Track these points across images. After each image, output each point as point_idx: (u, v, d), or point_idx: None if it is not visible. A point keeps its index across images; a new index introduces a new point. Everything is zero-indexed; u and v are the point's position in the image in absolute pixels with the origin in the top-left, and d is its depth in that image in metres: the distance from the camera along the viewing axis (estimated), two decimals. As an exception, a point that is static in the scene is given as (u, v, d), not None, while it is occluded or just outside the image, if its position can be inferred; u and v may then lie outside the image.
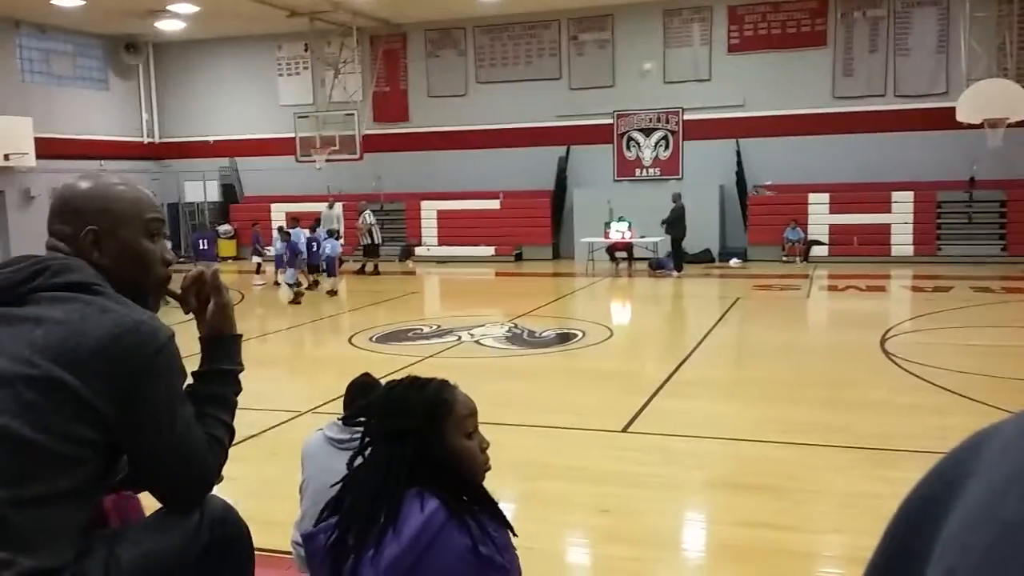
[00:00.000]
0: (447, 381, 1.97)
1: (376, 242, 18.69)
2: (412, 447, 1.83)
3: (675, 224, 17.05)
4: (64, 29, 21.14)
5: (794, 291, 14.80)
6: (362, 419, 1.96)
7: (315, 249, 15.84)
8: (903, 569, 0.64)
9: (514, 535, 1.86)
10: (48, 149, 19.86)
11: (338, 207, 19.47)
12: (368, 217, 18.74)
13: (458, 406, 1.91)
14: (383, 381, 3.33)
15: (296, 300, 14.23)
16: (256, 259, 18.21)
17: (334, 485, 1.92)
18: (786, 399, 7.25)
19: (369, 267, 18.55)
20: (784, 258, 18.61)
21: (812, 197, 19.13)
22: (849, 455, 5.60)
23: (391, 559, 1.72)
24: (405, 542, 1.72)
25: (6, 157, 19.00)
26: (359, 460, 1.92)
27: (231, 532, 1.92)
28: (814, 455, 5.68)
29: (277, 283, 16.24)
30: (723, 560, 4.24)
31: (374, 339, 10.68)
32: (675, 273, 17.08)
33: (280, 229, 16.80)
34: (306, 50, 22.25)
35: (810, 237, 18.87)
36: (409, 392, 1.92)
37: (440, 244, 21.45)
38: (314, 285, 15.67)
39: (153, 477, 1.84)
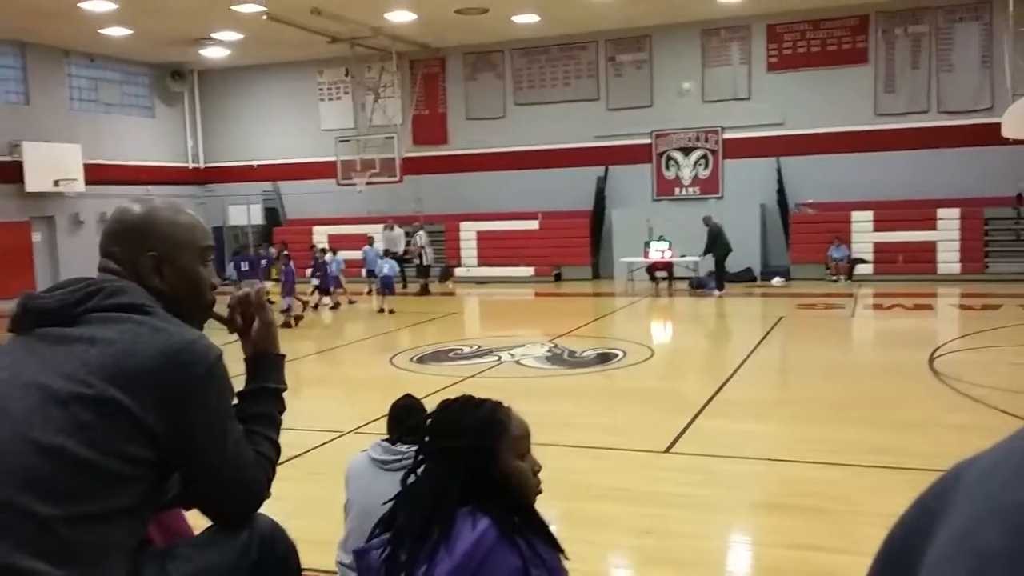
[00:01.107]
0: (501, 402, 1.98)
1: (427, 263, 18.97)
2: (465, 466, 1.83)
3: (715, 244, 16.94)
4: (112, 58, 21.69)
5: (839, 310, 14.60)
6: (414, 438, 1.97)
7: (325, 272, 16.35)
8: None
9: (565, 558, 1.86)
10: (96, 175, 20.36)
11: (398, 229, 19.94)
12: (420, 238, 19.08)
13: (512, 426, 1.91)
14: (425, 402, 3.35)
15: (288, 324, 13.81)
16: (315, 281, 18.38)
17: (386, 503, 1.93)
18: (832, 419, 7.14)
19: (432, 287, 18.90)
20: (830, 277, 18.38)
21: (855, 215, 18.90)
22: (897, 476, 5.49)
23: (444, 575, 1.72)
24: (457, 560, 1.72)
25: (56, 183, 19.50)
26: (412, 479, 1.93)
27: (279, 550, 1.94)
28: (861, 476, 5.58)
29: (316, 306, 16.44)
30: (769, 583, 4.18)
31: (415, 359, 10.73)
32: (716, 292, 16.95)
33: (321, 251, 17.15)
34: (347, 75, 22.56)
35: (854, 255, 18.62)
36: (464, 411, 1.93)
37: (479, 265, 21.53)
38: (313, 309, 15.98)
39: (204, 494, 1.86)
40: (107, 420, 1.66)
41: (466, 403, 1.96)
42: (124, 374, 1.68)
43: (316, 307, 16.36)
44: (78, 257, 19.14)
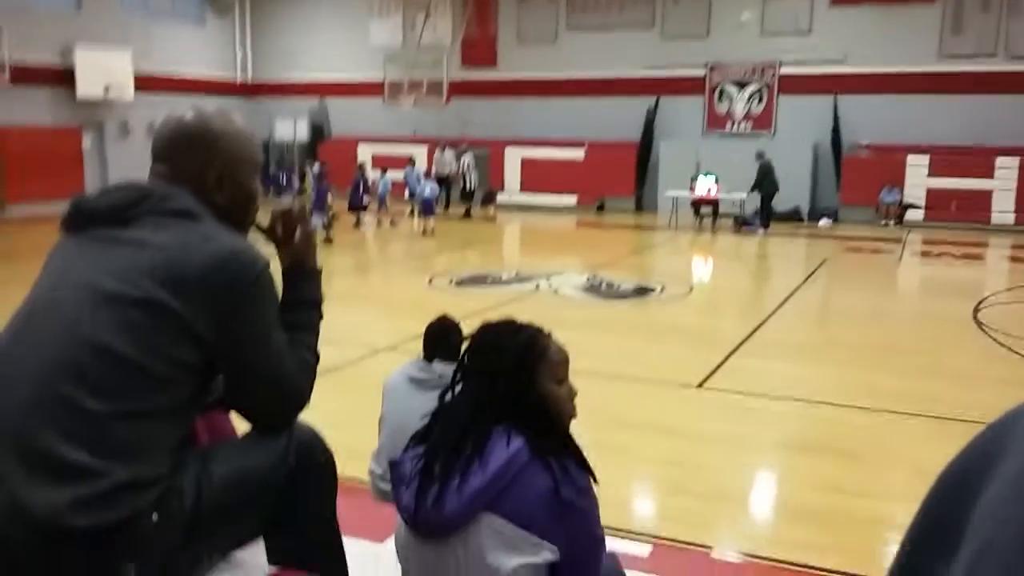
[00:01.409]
0: (542, 328, 1.99)
1: (471, 187, 18.96)
2: (504, 386, 1.86)
3: (763, 182, 16.66)
4: (165, -35, 21.56)
5: (886, 255, 14.36)
6: (450, 358, 1.99)
7: (358, 190, 16.49)
8: (941, 538, 0.65)
9: (595, 481, 1.88)
10: (145, 83, 20.44)
11: (449, 152, 19.91)
12: (465, 162, 19.03)
13: (551, 352, 1.93)
14: (461, 325, 3.38)
15: (330, 240, 14.35)
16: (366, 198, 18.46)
17: (424, 416, 1.97)
18: (870, 365, 7.08)
19: (475, 211, 18.98)
20: (879, 221, 18.02)
21: (911, 159, 18.40)
22: (932, 425, 5.46)
23: (476, 489, 1.76)
24: (490, 475, 1.76)
25: (106, 90, 19.62)
26: (449, 396, 1.96)
27: (318, 458, 1.99)
28: (895, 423, 5.56)
29: (357, 223, 16.62)
30: (792, 520, 4.21)
31: (453, 282, 10.79)
32: (761, 231, 16.73)
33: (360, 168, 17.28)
34: (398, -9, 22.23)
35: (906, 200, 18.21)
36: (505, 333, 1.95)
37: (523, 191, 21.42)
38: (355, 226, 16.30)
39: (248, 398, 1.91)
40: (154, 321, 1.70)
41: (507, 325, 1.98)
42: (173, 279, 1.72)
43: (357, 224, 16.47)
44: (126, 164, 19.38)
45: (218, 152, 1.92)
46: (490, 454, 1.78)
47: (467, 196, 19.13)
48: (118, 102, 20.11)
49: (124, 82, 19.97)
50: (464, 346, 2.01)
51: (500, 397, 1.85)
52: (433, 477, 1.81)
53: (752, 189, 16.76)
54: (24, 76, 17.97)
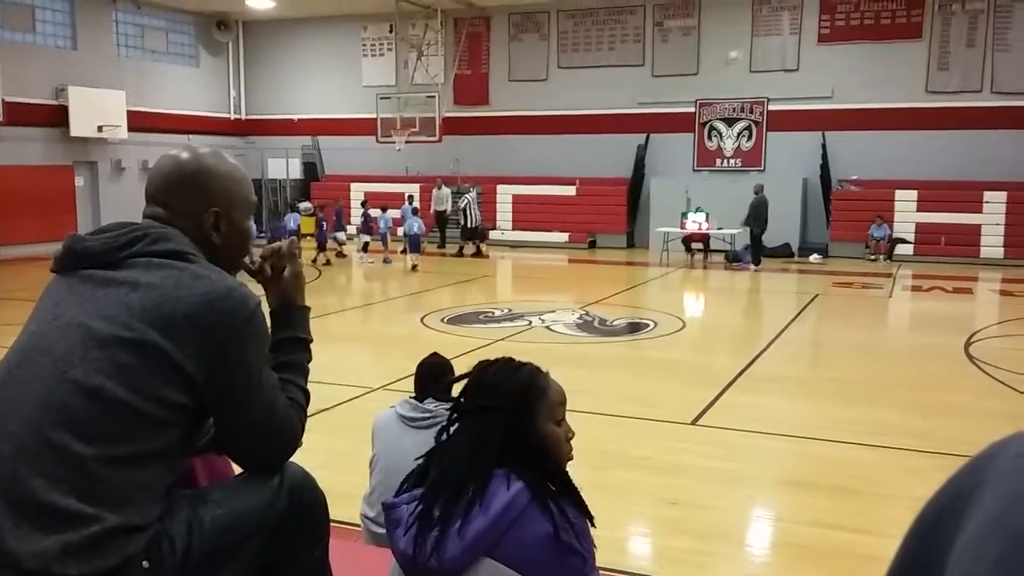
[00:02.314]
0: (540, 368, 1.98)
1: (474, 224, 19.01)
2: (502, 425, 1.84)
3: (756, 217, 16.75)
4: (158, 5, 21.77)
5: (876, 290, 14.41)
6: (443, 396, 1.97)
7: (322, 228, 17.49)
8: (921, 574, 0.65)
9: (593, 525, 1.86)
10: (139, 122, 20.54)
11: (445, 189, 20.13)
12: (466, 199, 19.14)
13: (550, 392, 1.92)
14: (454, 363, 3.36)
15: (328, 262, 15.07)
16: (365, 237, 18.58)
17: (417, 459, 1.95)
18: (864, 400, 7.07)
19: (468, 249, 19.00)
20: (869, 256, 18.12)
21: (899, 194, 18.55)
22: (928, 460, 5.44)
23: (477, 532, 1.74)
24: (491, 518, 1.74)
25: (100, 129, 19.71)
26: (444, 436, 1.94)
27: (309, 498, 1.96)
28: (890, 458, 5.54)
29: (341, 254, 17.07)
30: (790, 559, 4.17)
31: (446, 320, 10.78)
32: (752, 267, 16.79)
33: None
34: (391, 31, 22.44)
35: (895, 235, 18.32)
36: (505, 372, 1.94)
37: (514, 228, 21.49)
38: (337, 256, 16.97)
39: (239, 439, 1.88)
40: (146, 363, 1.68)
41: (507, 364, 1.96)
42: (165, 318, 1.70)
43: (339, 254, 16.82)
44: (119, 202, 19.39)
45: (216, 193, 1.93)
46: (492, 497, 1.76)
47: (469, 233, 19.16)
48: (111, 141, 20.18)
49: (118, 121, 20.05)
50: (461, 384, 2.00)
51: (499, 437, 1.84)
52: (433, 521, 1.79)
53: (746, 223, 16.83)
54: (18, 115, 18.03)
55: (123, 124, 20.18)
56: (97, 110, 19.61)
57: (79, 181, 20.21)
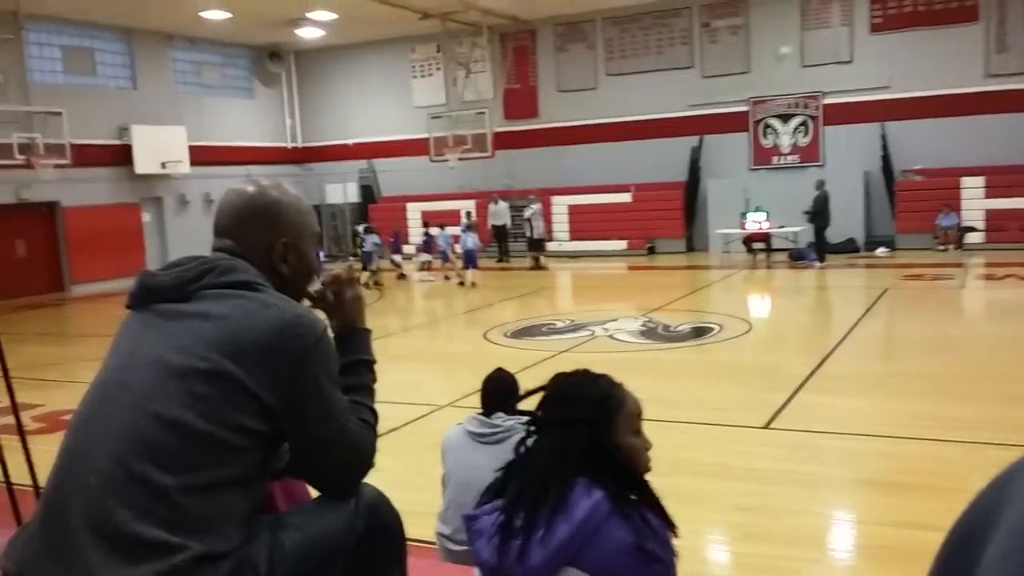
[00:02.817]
0: (615, 379, 1.99)
1: (538, 236, 19.11)
2: (584, 436, 1.84)
3: (819, 213, 16.45)
4: (212, 41, 22.35)
5: (948, 280, 14.02)
6: (511, 411, 1.98)
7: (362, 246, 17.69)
8: None
9: (675, 536, 1.85)
10: (200, 156, 21.09)
11: (502, 203, 20.30)
12: (529, 212, 19.30)
13: (628, 403, 1.93)
14: (519, 376, 3.36)
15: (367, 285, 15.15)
16: (424, 256, 18.82)
17: (497, 471, 1.96)
18: (941, 394, 6.87)
19: (544, 261, 19.18)
20: (938, 247, 17.65)
21: (965, 181, 18.05)
22: (1011, 453, 5.22)
23: (561, 540, 1.74)
24: (575, 526, 1.75)
25: (163, 165, 20.28)
26: (522, 448, 1.95)
27: (385, 519, 1.98)
28: (972, 453, 5.36)
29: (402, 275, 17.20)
30: (872, 562, 4.06)
31: (508, 334, 10.79)
32: (817, 264, 16.48)
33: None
34: (438, 51, 22.70)
35: (964, 223, 17.81)
36: (583, 384, 1.95)
37: (572, 239, 21.46)
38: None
39: (313, 464, 1.91)
40: (222, 392, 1.72)
41: (584, 375, 1.98)
42: (237, 348, 1.74)
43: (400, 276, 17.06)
44: (185, 236, 19.90)
45: (283, 225, 1.98)
46: (574, 506, 1.77)
47: (534, 245, 19.26)
48: (175, 176, 20.73)
49: (180, 156, 20.61)
50: (539, 398, 2.00)
51: (580, 447, 1.83)
52: (514, 531, 1.79)
53: (804, 214, 16.54)
54: (85, 156, 18.65)
55: (185, 159, 20.74)
56: (159, 147, 20.20)
57: (145, 217, 20.80)
